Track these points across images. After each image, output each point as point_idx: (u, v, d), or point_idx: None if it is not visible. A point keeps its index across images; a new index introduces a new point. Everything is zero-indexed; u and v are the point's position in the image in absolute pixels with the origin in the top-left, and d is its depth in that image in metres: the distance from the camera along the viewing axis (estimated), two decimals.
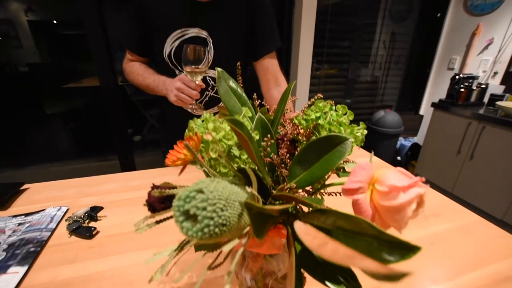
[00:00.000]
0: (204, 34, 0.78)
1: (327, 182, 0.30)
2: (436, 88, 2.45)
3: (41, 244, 0.53)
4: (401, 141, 2.51)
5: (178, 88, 0.69)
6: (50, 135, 3.46)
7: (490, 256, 0.51)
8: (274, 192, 0.29)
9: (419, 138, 2.53)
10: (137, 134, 3.12)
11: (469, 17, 2.12)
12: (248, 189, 0.22)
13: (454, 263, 0.49)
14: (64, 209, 0.65)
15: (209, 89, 0.85)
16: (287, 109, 0.35)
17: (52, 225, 0.59)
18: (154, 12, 0.75)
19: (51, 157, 2.80)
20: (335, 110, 0.34)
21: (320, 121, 0.30)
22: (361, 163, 0.21)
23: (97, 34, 1.61)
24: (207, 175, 0.27)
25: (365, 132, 0.30)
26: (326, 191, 0.30)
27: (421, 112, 2.58)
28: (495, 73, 2.01)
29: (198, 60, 0.66)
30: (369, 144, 2.33)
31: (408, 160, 2.41)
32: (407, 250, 0.18)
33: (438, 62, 2.41)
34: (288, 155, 0.30)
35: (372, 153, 0.28)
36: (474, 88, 1.92)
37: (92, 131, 3.26)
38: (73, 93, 3.14)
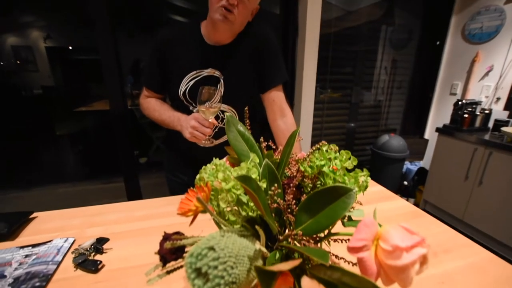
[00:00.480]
0: (216, 73, 0.84)
1: (333, 229, 0.30)
2: (439, 113, 2.47)
3: (47, 278, 0.53)
4: (407, 165, 2.48)
5: (193, 126, 0.74)
6: (58, 156, 3.53)
7: None
8: (281, 238, 0.30)
9: (425, 163, 2.50)
10: (142, 156, 3.17)
11: (468, 45, 2.19)
12: (257, 246, 0.23)
13: None
14: (70, 240, 0.65)
15: (218, 121, 0.89)
16: (293, 154, 0.36)
17: (58, 258, 0.59)
18: (172, 57, 0.84)
19: (58, 179, 2.84)
20: (339, 153, 0.35)
21: (325, 169, 0.31)
22: (365, 220, 0.22)
23: (111, 59, 1.68)
24: (217, 224, 0.28)
25: (369, 179, 0.31)
26: (332, 238, 0.31)
27: (426, 136, 2.58)
28: (498, 98, 2.03)
29: (212, 100, 0.71)
30: (374, 169, 2.31)
31: (415, 184, 2.37)
32: None
33: (440, 87, 2.45)
34: (294, 201, 0.31)
35: (376, 210, 0.28)
36: (478, 113, 1.93)
37: (99, 153, 3.32)
38: (83, 115, 3.24)
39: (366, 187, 0.31)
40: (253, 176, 0.31)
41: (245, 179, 0.23)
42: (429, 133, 2.55)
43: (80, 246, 0.61)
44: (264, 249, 0.23)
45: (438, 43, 2.37)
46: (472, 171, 1.82)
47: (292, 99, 2.09)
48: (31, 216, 0.76)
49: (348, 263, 0.32)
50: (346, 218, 0.31)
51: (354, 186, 0.27)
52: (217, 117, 0.88)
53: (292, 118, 0.94)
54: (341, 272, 0.22)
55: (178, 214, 0.27)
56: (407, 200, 2.38)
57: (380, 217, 0.81)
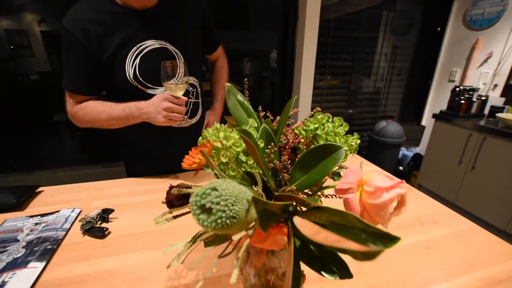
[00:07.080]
0: (162, 43, 0.73)
1: (324, 185, 0.33)
2: (437, 100, 2.48)
3: (57, 242, 0.57)
4: (403, 151, 2.52)
5: (167, 108, 0.68)
6: (57, 142, 3.53)
7: (483, 260, 0.53)
8: (277, 193, 0.33)
9: (421, 149, 2.55)
10: None
11: (468, 32, 2.17)
12: (254, 188, 0.26)
13: (448, 267, 0.51)
14: (77, 210, 0.68)
15: (190, 96, 0.83)
16: (289, 121, 0.39)
17: (67, 225, 0.62)
18: (97, 44, 0.68)
19: (58, 163, 2.84)
20: (332, 122, 0.38)
21: (318, 132, 0.33)
22: (351, 167, 0.25)
23: None
24: (218, 178, 0.31)
25: (359, 141, 0.34)
26: (323, 194, 0.34)
27: (423, 122, 2.60)
28: (495, 85, 2.05)
29: (177, 74, 0.66)
30: (371, 154, 2.35)
31: (410, 170, 2.42)
32: (389, 240, 0.21)
33: (439, 74, 2.46)
34: (289, 161, 0.34)
35: (362, 163, 0.31)
36: (475, 100, 1.95)
37: (99, 138, 3.32)
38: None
39: (356, 149, 0.34)
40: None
41: (245, 133, 0.26)
42: (426, 120, 2.58)
43: (87, 216, 0.65)
44: (261, 191, 0.26)
45: (439, 29, 2.35)
46: (466, 156, 1.87)
47: (291, 85, 2.09)
48: (37, 190, 0.79)
49: None
50: (337, 175, 0.34)
51: (344, 145, 0.29)
52: (188, 93, 0.82)
53: (226, 61, 1.01)
54: (329, 212, 0.24)
55: (184, 167, 0.29)
56: None
57: None
